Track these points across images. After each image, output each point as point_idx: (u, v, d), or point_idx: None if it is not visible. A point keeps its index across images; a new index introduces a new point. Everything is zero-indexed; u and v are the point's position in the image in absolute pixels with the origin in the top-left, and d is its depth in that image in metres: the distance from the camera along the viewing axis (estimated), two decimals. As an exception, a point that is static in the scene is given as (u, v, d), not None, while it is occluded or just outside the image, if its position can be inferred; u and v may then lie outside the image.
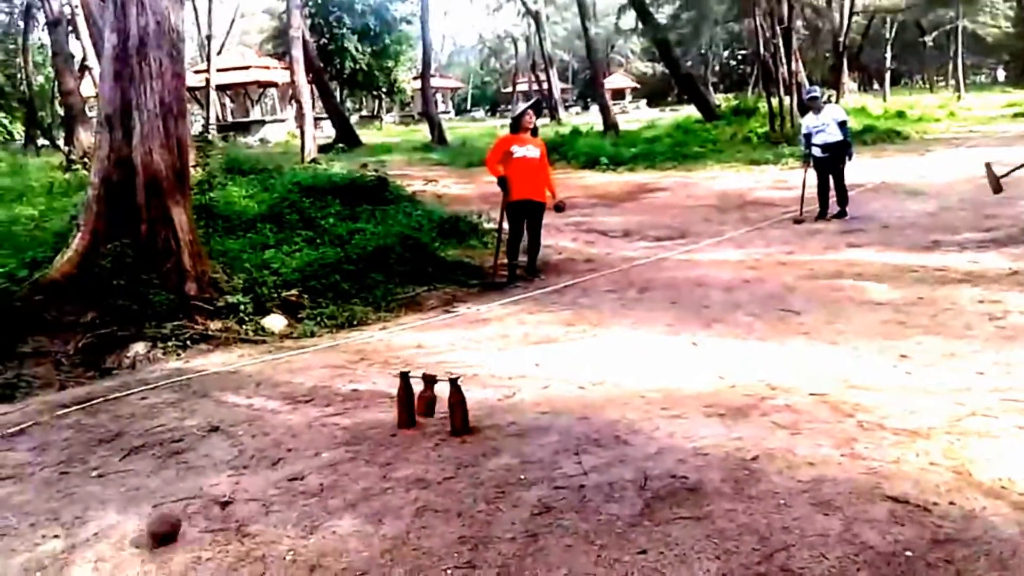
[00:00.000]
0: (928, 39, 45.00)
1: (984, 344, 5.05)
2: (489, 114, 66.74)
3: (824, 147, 10.46)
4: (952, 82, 46.72)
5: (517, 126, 8.29)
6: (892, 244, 8.57)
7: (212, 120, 36.39)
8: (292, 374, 5.24)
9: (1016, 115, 28.64)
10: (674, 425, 3.87)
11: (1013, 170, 8.28)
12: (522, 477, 3.37)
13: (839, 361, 4.86)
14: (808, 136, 10.60)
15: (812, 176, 10.69)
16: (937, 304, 6.09)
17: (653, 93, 67.18)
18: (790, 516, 2.92)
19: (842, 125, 10.42)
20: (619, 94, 63.41)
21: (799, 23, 27.66)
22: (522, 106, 8.85)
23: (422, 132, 34.46)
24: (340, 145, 27.70)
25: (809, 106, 11.12)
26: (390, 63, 41.54)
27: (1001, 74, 65.66)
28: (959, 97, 39.84)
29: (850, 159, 10.51)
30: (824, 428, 3.73)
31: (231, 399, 4.75)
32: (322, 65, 32.51)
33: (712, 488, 3.17)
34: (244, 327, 6.45)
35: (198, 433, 4.23)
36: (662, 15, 31.51)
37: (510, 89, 70.43)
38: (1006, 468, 3.21)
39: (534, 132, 8.41)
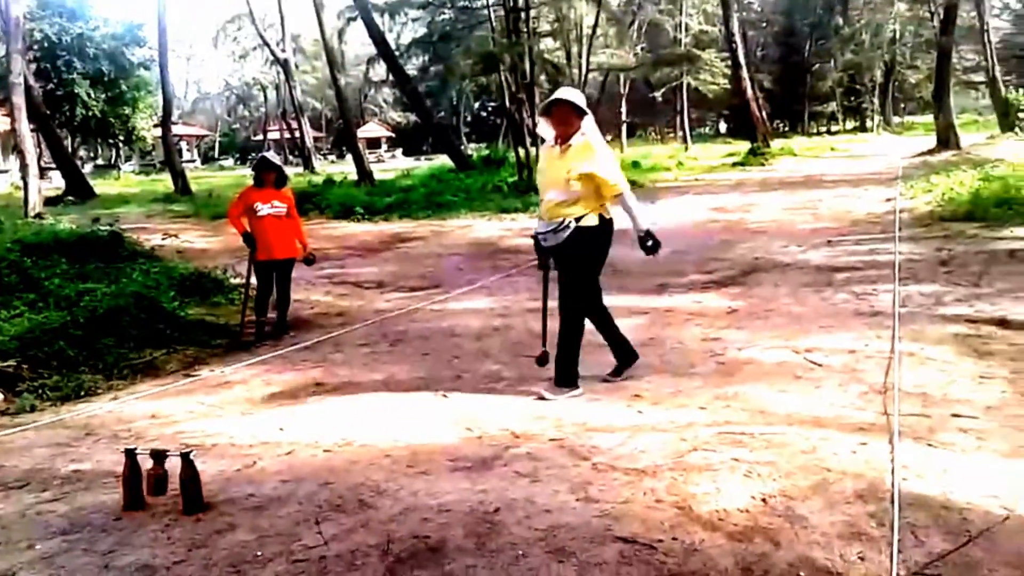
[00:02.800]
0: (657, 95, 48.87)
1: (706, 380, 5.47)
2: (238, 163, 64.83)
3: None
4: (680, 134, 50.96)
5: (260, 181, 8.05)
6: (626, 288, 9.09)
7: (-81, 171, 32.78)
8: (5, 456, 4.72)
9: (735, 164, 31.66)
10: (420, 483, 3.86)
11: None
12: (258, 554, 3.21)
13: (579, 405, 5.09)
14: None
15: None
16: (666, 344, 6.55)
17: (408, 142, 68.16)
18: (527, 566, 2.98)
19: None
20: (374, 143, 63.91)
21: (542, 78, 29.13)
22: (258, 159, 8.60)
23: (165, 182, 32.81)
24: (70, 197, 25.83)
25: None
26: (127, 110, 39.33)
27: (723, 126, 72.45)
28: (687, 148, 43.49)
29: None
30: (562, 473, 3.86)
31: (-70, 490, 4.20)
32: (49, 112, 30.20)
33: (454, 545, 3.18)
34: (-50, 406, 5.76)
35: None
36: (412, 68, 32.09)
37: (261, 137, 68.90)
38: (723, 500, 3.46)
39: (281, 184, 8.20)
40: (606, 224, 5.37)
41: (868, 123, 60.14)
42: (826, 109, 64.29)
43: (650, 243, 5.35)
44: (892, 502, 3.36)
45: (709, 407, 4.85)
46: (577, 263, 5.34)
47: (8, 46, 21.00)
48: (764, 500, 3.46)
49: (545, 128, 5.43)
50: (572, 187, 5.17)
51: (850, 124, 65.52)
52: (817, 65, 60.19)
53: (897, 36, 56.06)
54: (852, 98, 62.56)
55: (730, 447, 4.09)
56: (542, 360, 5.64)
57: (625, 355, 5.73)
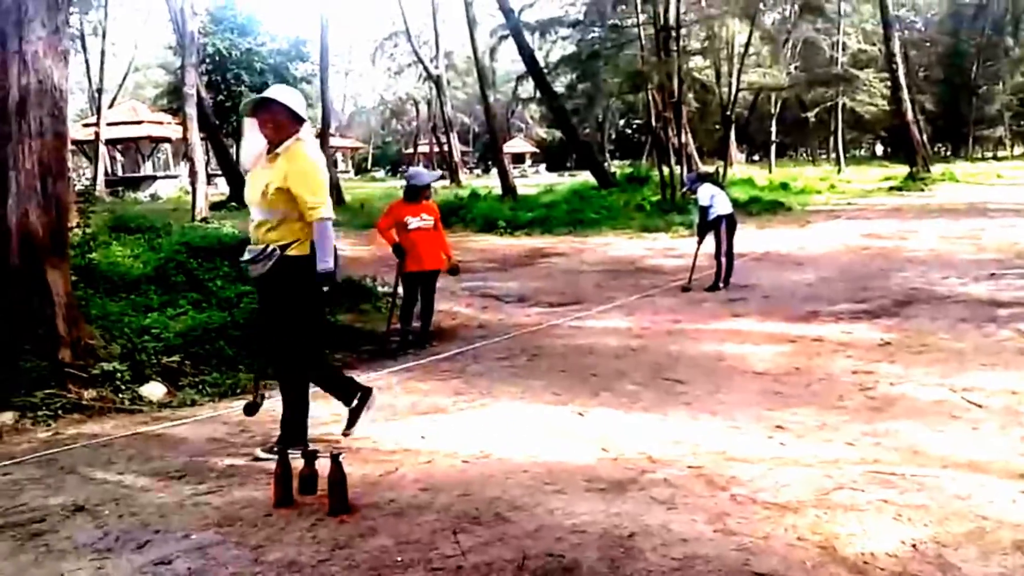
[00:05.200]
0: (810, 115, 47.48)
1: (854, 415, 5.26)
2: (390, 174, 66.90)
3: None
4: (833, 155, 49.29)
5: (416, 197, 8.22)
6: (773, 314, 8.90)
7: (101, 175, 35.41)
8: (167, 447, 5.04)
9: (892, 188, 30.36)
10: (555, 501, 3.88)
11: None
12: (398, 559, 3.31)
13: (718, 432, 4.98)
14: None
15: (704, 246, 11.08)
16: (812, 374, 6.33)
17: (552, 158, 68.71)
18: (662, 595, 2.95)
19: (699, 212, 11.05)
20: (519, 158, 64.79)
21: (689, 97, 28.82)
22: (424, 175, 8.81)
23: (320, 191, 34.15)
24: (234, 203, 27.29)
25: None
26: (289, 122, 41.23)
27: (879, 148, 69.62)
28: (839, 170, 42.10)
29: (700, 242, 11.12)
30: (699, 503, 3.80)
31: (100, 475, 4.53)
32: (218, 122, 32.09)
33: (588, 567, 3.18)
34: (120, 396, 6.17)
35: (62, 513, 4.01)
36: (559, 85, 32.36)
37: (411, 150, 70.97)
38: (870, 542, 3.32)
39: (427, 196, 8.41)
40: None
41: (1039, 149, 56.50)
42: (993, 133, 60.88)
43: (326, 288, 4.40)
44: (1055, 557, 3.15)
45: (857, 443, 4.66)
46: (288, 304, 4.42)
47: (183, 59, 22.50)
48: (914, 546, 3.30)
49: (250, 132, 4.49)
50: (272, 205, 4.32)
51: (1018, 150, 61.73)
52: (984, 87, 57.02)
53: (1075, 57, 52.51)
54: (1022, 122, 58.91)
55: (879, 487, 3.92)
56: (249, 409, 4.89)
57: (352, 395, 5.00)
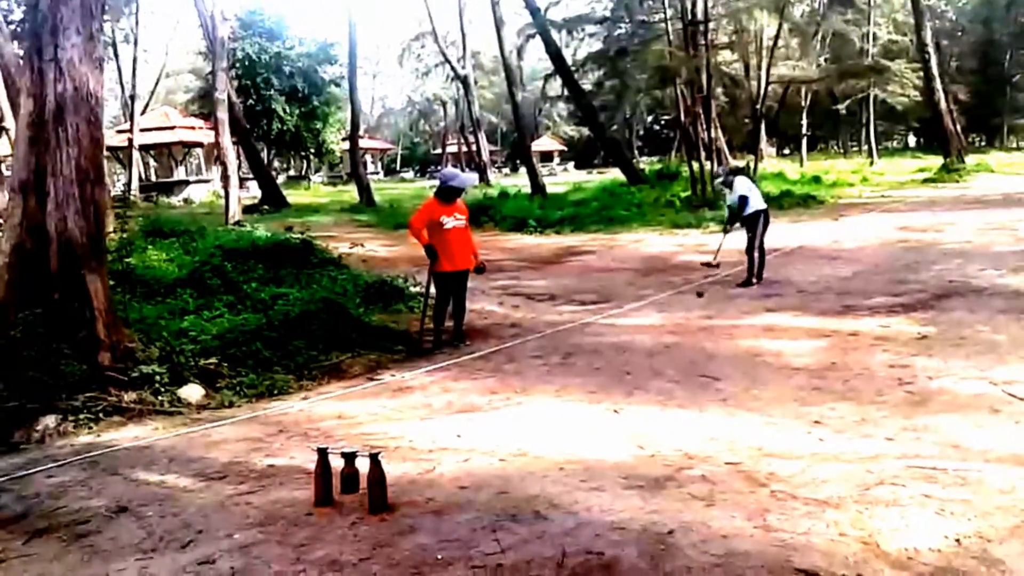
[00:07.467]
0: (841, 107, 46.95)
1: (894, 409, 5.21)
2: (419, 175, 67.09)
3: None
4: (865, 147, 48.73)
5: (452, 198, 8.21)
6: (807, 309, 8.82)
7: (135, 180, 35.86)
8: (207, 448, 5.11)
9: (926, 180, 29.94)
10: (593, 498, 3.88)
11: None
12: (439, 557, 3.33)
13: (755, 428, 4.95)
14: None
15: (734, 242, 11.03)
16: (850, 369, 6.27)
17: (580, 156, 68.57)
18: (704, 592, 2.95)
19: (739, 200, 10.93)
20: (547, 156, 64.63)
21: (718, 91, 28.61)
22: (464, 178, 8.82)
23: (351, 193, 34.40)
24: (266, 206, 27.53)
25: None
26: (318, 124, 41.59)
27: (912, 140, 68.71)
28: (872, 162, 41.56)
29: (733, 229, 11.18)
30: (738, 499, 3.78)
31: (141, 476, 4.60)
32: (249, 126, 32.39)
33: (628, 564, 3.18)
34: (159, 398, 6.26)
35: (106, 514, 4.08)
36: (587, 82, 32.29)
37: (440, 150, 71.13)
38: (912, 538, 3.30)
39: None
40: None
41: (1078, 137, 55.51)
42: (1028, 122, 59.84)
43: None
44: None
45: (897, 438, 4.62)
46: None
47: (214, 65, 22.73)
48: (957, 540, 3.27)
49: None
50: None
51: (1056, 138, 60.72)
52: (1018, 76, 56.07)
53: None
54: (1057, 111, 57.98)
55: (920, 482, 3.89)
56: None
57: None
